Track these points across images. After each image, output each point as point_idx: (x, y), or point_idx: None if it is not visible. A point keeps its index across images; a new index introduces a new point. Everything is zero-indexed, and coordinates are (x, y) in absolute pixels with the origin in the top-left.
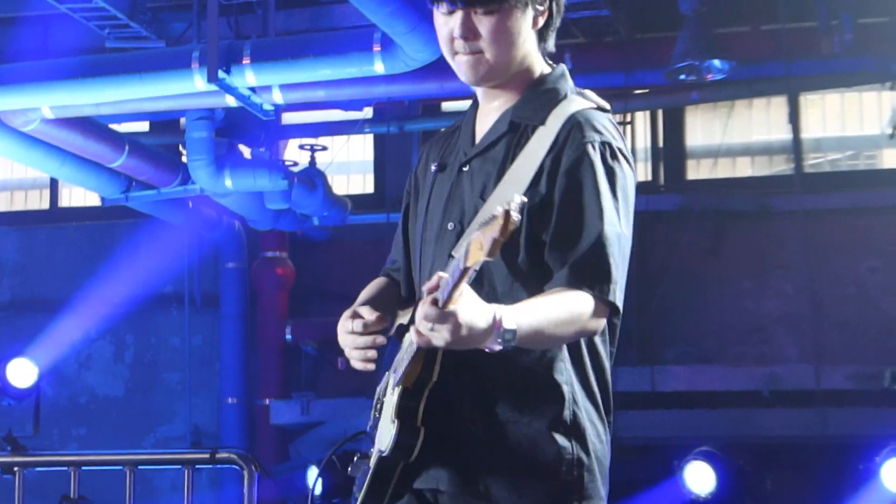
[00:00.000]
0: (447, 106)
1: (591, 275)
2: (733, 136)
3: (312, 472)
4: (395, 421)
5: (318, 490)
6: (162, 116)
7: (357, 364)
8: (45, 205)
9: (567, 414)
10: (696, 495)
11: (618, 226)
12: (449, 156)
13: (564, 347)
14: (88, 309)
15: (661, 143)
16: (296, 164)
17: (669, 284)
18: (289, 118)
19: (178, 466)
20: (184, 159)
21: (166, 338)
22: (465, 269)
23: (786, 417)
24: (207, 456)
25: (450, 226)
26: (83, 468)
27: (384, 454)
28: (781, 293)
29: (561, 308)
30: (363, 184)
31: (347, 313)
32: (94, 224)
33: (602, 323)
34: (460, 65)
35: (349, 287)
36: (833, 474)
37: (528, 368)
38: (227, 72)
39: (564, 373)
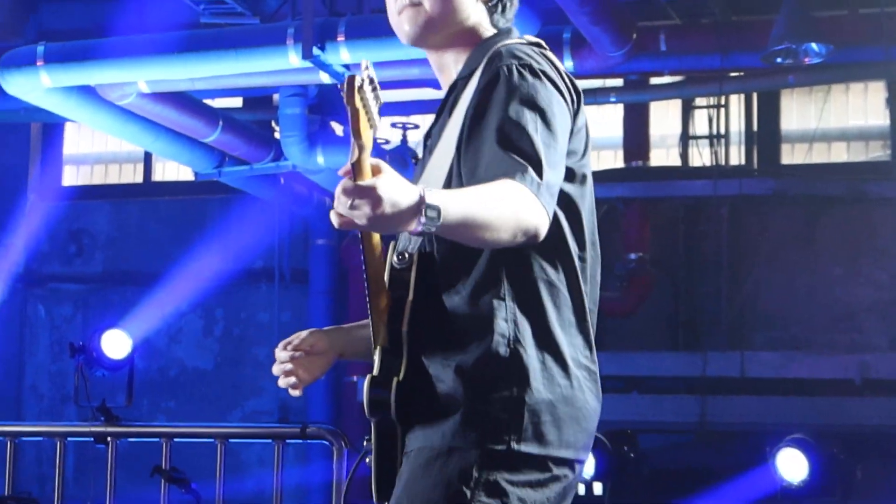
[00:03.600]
0: None
1: (510, 166)
2: (829, 120)
3: None
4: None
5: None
6: (255, 92)
7: (281, 382)
8: (139, 178)
9: (503, 351)
10: (789, 483)
11: (535, 132)
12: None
13: (505, 284)
14: (179, 283)
15: (755, 127)
16: (387, 142)
17: (760, 269)
18: (381, 96)
19: (267, 440)
20: (276, 135)
21: (255, 313)
22: (355, 143)
23: (877, 406)
24: (298, 431)
25: None
26: (175, 440)
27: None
28: (874, 281)
29: (491, 189)
30: None
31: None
32: (187, 198)
33: (541, 218)
34: (401, 21)
35: None
36: None
37: (465, 308)
38: (322, 49)
39: (503, 309)
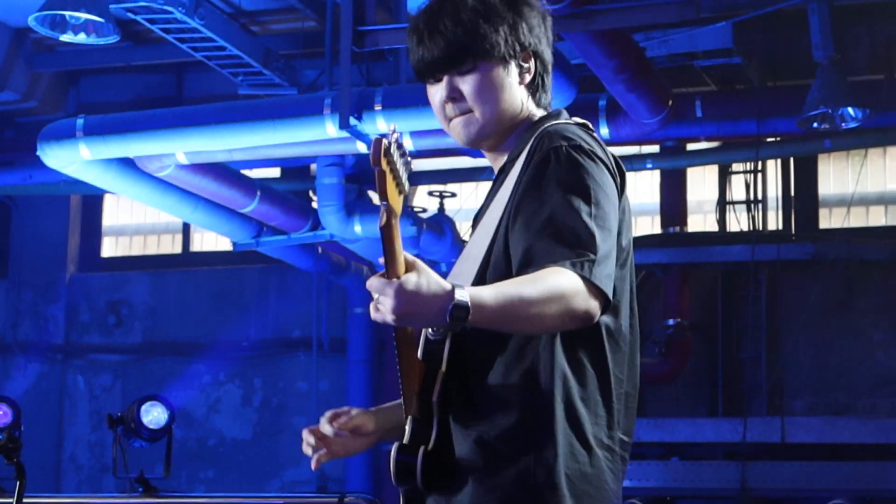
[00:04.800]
0: None
1: (563, 250)
2: (867, 184)
3: None
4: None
5: None
6: (293, 162)
7: (307, 450)
8: (178, 249)
9: (527, 426)
10: None
11: (588, 214)
12: None
13: (534, 361)
14: (217, 352)
15: (792, 192)
16: (425, 210)
17: (800, 334)
18: (418, 165)
19: None
20: (314, 205)
21: (293, 382)
22: (383, 207)
23: None
24: (336, 500)
25: None
26: None
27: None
28: None
29: (536, 280)
30: None
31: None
32: (225, 269)
33: (594, 306)
34: (454, 128)
35: None
36: None
37: (494, 382)
38: (359, 118)
39: (530, 385)
